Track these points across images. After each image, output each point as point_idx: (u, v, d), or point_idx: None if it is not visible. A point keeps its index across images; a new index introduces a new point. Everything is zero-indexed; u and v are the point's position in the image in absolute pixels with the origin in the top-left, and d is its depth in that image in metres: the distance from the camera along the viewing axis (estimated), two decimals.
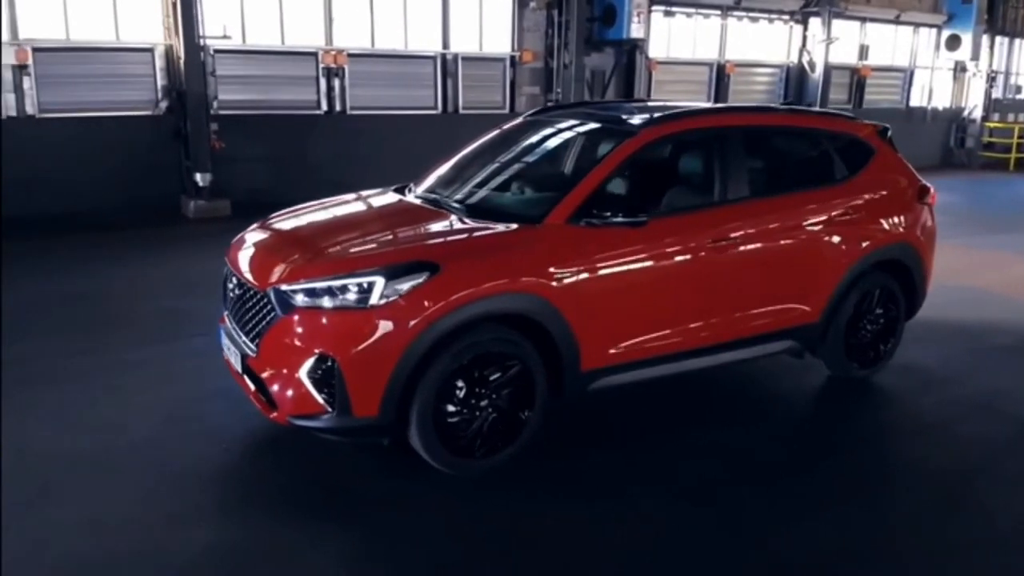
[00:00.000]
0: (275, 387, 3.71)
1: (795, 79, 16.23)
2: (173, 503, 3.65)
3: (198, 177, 10.44)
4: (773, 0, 15.50)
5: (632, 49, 14.01)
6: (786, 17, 15.84)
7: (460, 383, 3.76)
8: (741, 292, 4.57)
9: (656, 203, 4.46)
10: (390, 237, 4.08)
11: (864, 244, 4.93)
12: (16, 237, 8.79)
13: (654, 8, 14.23)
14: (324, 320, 3.62)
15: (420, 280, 3.59)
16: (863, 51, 16.89)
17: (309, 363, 3.59)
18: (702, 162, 4.82)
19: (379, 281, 3.56)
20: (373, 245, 3.97)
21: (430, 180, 4.95)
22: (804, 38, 15.97)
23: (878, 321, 5.20)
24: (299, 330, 3.64)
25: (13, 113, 9.72)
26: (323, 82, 11.70)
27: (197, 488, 3.78)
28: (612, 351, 4.16)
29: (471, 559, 3.32)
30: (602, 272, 4.03)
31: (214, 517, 3.56)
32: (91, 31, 10.05)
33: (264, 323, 3.78)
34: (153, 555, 3.26)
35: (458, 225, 4.14)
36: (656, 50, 14.63)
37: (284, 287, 3.69)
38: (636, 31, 13.01)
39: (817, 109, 5.39)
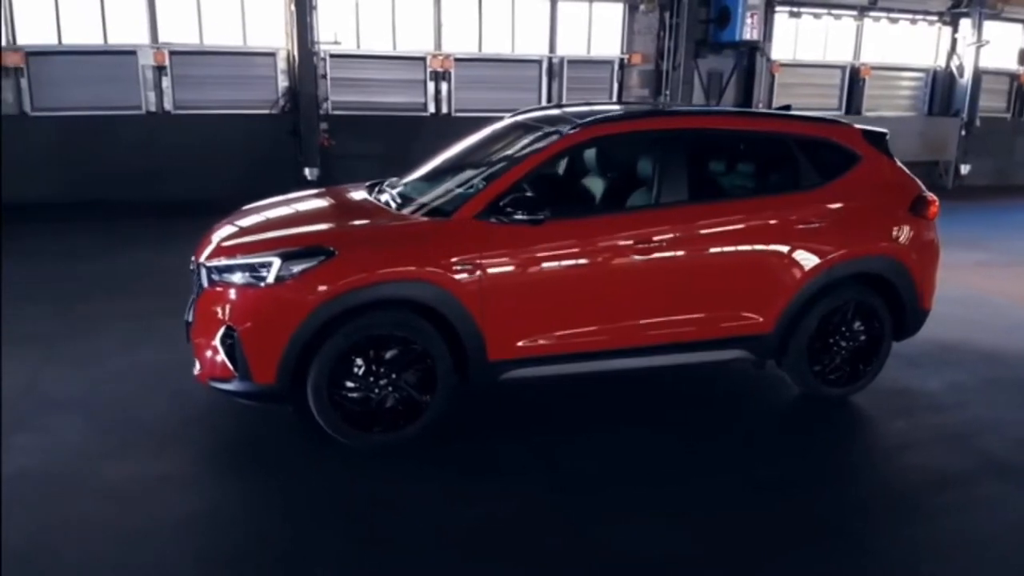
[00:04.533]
0: (202, 352, 4.21)
1: (943, 84, 15.01)
2: (121, 441, 4.25)
3: (306, 171, 11.44)
4: (916, 0, 14.43)
5: (752, 51, 13.62)
6: (932, 18, 14.68)
7: (359, 361, 4.08)
8: (670, 296, 4.53)
9: (578, 203, 4.52)
10: (311, 226, 4.45)
11: (832, 255, 4.71)
12: (139, 218, 10.11)
13: (778, 9, 13.73)
14: (232, 295, 4.06)
15: (313, 263, 3.95)
16: None
17: (221, 332, 4.05)
18: (634, 165, 4.82)
19: (275, 263, 3.95)
20: (286, 232, 4.36)
21: (405, 177, 5.27)
22: (953, 41, 14.73)
23: (856, 338, 4.94)
24: (215, 302, 4.11)
25: (153, 109, 11.13)
26: (431, 85, 12.36)
27: (148, 432, 4.35)
28: (521, 344, 4.31)
29: (331, 516, 3.64)
30: (506, 267, 4.19)
31: (148, 455, 4.12)
32: (222, 36, 11.28)
33: (197, 295, 4.29)
34: (82, 474, 3.91)
35: (381, 217, 4.45)
36: (781, 52, 14.09)
37: (207, 264, 4.19)
38: (750, 32, 12.66)
39: (794, 112, 5.14)
